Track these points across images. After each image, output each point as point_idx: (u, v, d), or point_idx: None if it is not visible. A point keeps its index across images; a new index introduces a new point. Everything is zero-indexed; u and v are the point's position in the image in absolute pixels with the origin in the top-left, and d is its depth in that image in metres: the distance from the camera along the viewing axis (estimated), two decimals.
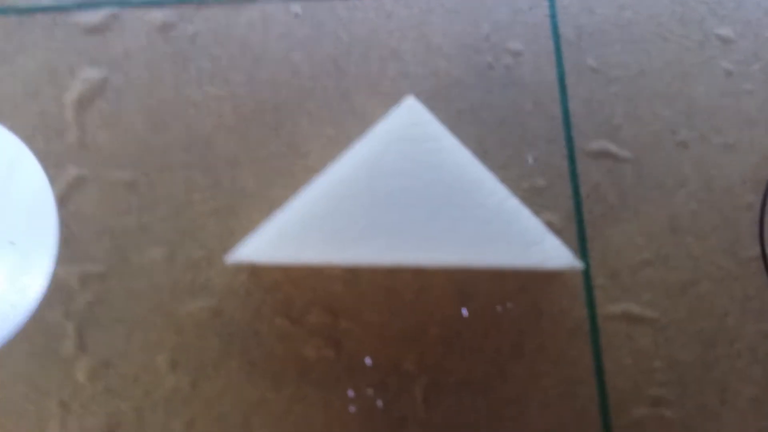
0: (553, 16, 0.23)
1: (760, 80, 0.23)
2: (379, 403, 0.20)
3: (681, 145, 0.22)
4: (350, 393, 0.20)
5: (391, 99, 0.22)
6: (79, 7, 0.22)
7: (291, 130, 0.22)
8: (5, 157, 0.20)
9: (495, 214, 0.20)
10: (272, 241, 0.19)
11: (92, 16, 0.22)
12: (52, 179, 0.21)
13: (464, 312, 0.21)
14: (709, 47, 0.23)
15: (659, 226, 0.22)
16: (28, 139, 0.21)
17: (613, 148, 0.22)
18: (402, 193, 0.20)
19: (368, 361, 0.20)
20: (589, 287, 0.21)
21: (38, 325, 0.20)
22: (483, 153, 0.22)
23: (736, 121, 0.23)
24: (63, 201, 0.21)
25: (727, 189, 0.22)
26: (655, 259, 0.21)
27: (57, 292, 0.20)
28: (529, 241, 0.20)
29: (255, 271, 0.21)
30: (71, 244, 0.20)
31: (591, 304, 0.21)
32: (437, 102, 0.22)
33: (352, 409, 0.20)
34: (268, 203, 0.21)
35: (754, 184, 0.22)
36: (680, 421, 0.20)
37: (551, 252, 0.20)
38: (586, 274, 0.21)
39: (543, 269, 0.21)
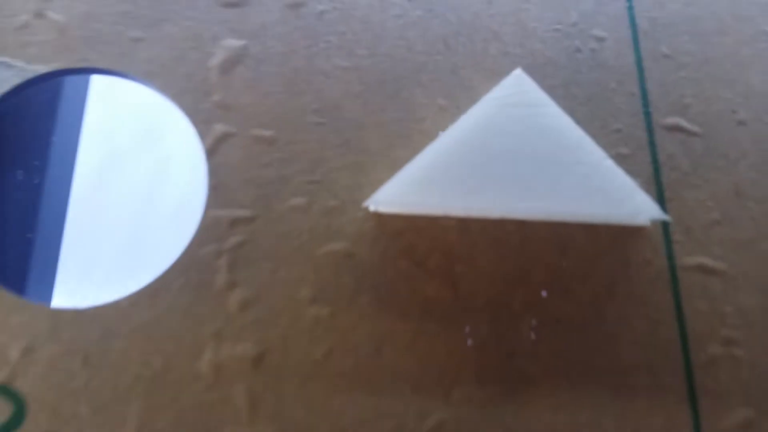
0: (630, 8, 0.26)
1: None
2: (492, 338, 0.22)
3: (740, 123, 0.25)
4: (467, 329, 0.22)
5: (495, 74, 0.25)
6: None
7: (407, 99, 0.24)
8: (159, 113, 0.22)
9: (593, 172, 0.22)
10: (397, 193, 0.22)
11: None
12: (201, 134, 0.23)
13: (563, 260, 0.23)
14: (760, 41, 0.26)
15: (725, 191, 0.25)
16: (176, 98, 0.23)
17: (684, 123, 0.25)
18: (511, 152, 0.22)
19: (481, 300, 0.23)
20: (668, 242, 0.24)
21: (192, 262, 0.22)
22: (575, 123, 0.24)
23: None
24: (211, 153, 0.23)
25: None
26: (722, 219, 0.24)
27: (209, 232, 0.22)
28: (623, 196, 0.22)
29: (381, 220, 0.23)
30: (220, 191, 0.22)
31: (671, 257, 0.24)
32: (533, 78, 0.25)
33: (468, 342, 0.22)
34: (390, 161, 0.23)
35: None
36: (748, 359, 0.23)
37: (642, 206, 0.23)
38: (666, 230, 0.24)
39: (633, 222, 0.23)
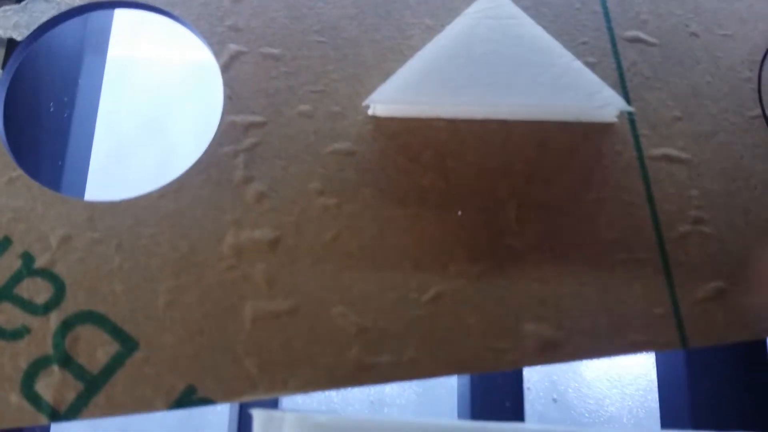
0: None
1: None
2: (480, 220, 0.24)
3: (693, 35, 0.28)
4: (459, 213, 0.24)
5: None
6: None
7: (398, 19, 0.26)
8: (180, 37, 0.24)
9: (564, 71, 0.24)
10: (391, 93, 0.24)
11: None
12: (216, 54, 0.25)
13: (541, 153, 0.25)
14: None
15: (683, 92, 0.27)
16: (195, 24, 0.25)
17: (643, 35, 0.27)
18: (490, 56, 0.24)
19: (471, 189, 0.24)
20: (636, 135, 0.26)
21: (213, 160, 0.24)
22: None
23: (732, 19, 0.28)
24: (225, 69, 0.25)
25: (730, 67, 0.27)
26: (683, 116, 0.26)
27: (226, 135, 0.24)
28: (592, 91, 0.25)
29: (379, 123, 0.25)
30: (234, 100, 0.24)
31: (638, 148, 0.26)
32: None
33: (461, 224, 0.24)
34: (383, 72, 0.25)
35: (750, 63, 0.28)
36: (716, 236, 0.25)
37: (610, 99, 0.25)
38: (633, 126, 0.26)
39: (602, 117, 0.25)
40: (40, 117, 0.25)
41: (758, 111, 0.27)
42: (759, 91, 0.27)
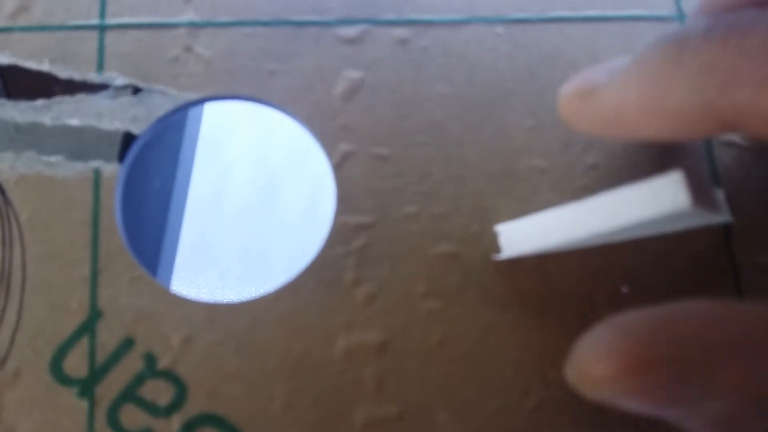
0: None
1: None
2: (580, 326, 0.19)
3: None
4: (557, 318, 0.19)
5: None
6: (339, 23, 0.21)
7: (500, 120, 0.21)
8: (292, 136, 0.19)
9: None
10: (522, 250, 0.18)
11: (350, 30, 0.21)
12: (328, 152, 0.20)
13: (638, 260, 0.20)
14: None
15: None
16: (307, 122, 0.20)
17: (736, 139, 0.21)
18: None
19: (570, 293, 0.19)
20: (728, 242, 0.20)
21: (324, 262, 0.19)
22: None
23: None
24: (337, 168, 0.20)
25: None
26: None
27: (338, 236, 0.19)
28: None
29: (482, 226, 0.20)
30: (345, 201, 0.19)
31: (732, 256, 0.20)
32: None
33: (562, 330, 0.19)
34: (485, 173, 0.20)
35: None
36: None
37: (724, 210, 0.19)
38: (726, 232, 0.20)
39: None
40: (146, 196, 0.21)
41: None
42: None
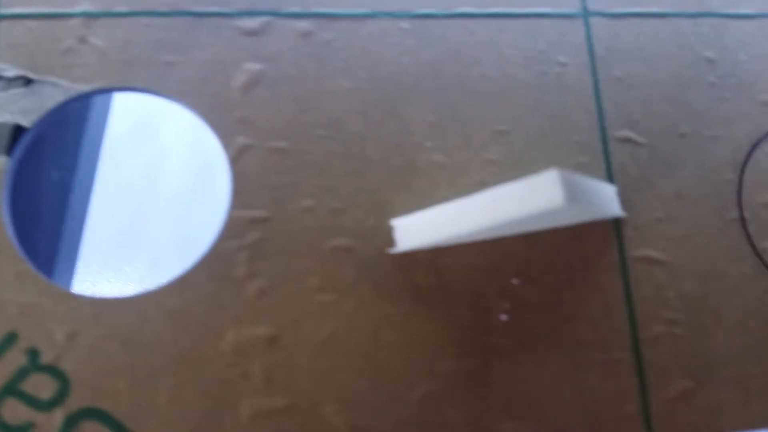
0: (589, 38, 0.22)
1: (735, 91, 0.22)
2: (471, 319, 0.19)
3: (681, 136, 0.21)
4: (450, 311, 0.19)
5: (476, 95, 0.21)
6: (240, 14, 0.20)
7: (401, 115, 0.20)
8: (189, 129, 0.19)
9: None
10: (416, 244, 0.18)
11: (251, 22, 0.20)
12: (225, 146, 0.19)
13: (531, 253, 0.19)
14: (699, 66, 0.22)
15: (668, 193, 0.21)
16: (204, 115, 0.19)
17: (633, 136, 0.21)
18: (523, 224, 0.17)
19: (462, 287, 0.19)
20: (619, 237, 0.20)
21: (216, 256, 0.18)
22: (542, 136, 0.21)
23: (719, 120, 0.22)
24: (234, 162, 0.19)
25: (714, 168, 0.21)
26: (665, 217, 0.20)
27: (231, 230, 0.18)
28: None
29: (378, 220, 0.19)
30: (241, 194, 0.19)
31: (621, 249, 0.20)
32: (507, 97, 0.21)
33: (452, 322, 0.19)
34: (385, 168, 0.20)
35: (733, 165, 0.21)
36: (687, 337, 0.20)
37: (613, 204, 0.19)
38: (617, 227, 0.20)
39: (599, 218, 0.20)
40: (41, 186, 0.20)
41: (736, 213, 0.21)
42: (739, 193, 0.21)
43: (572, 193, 0.15)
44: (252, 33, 0.20)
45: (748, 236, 0.21)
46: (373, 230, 0.19)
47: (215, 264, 0.18)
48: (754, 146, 0.22)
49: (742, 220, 0.21)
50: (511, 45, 0.21)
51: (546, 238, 0.20)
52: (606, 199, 0.19)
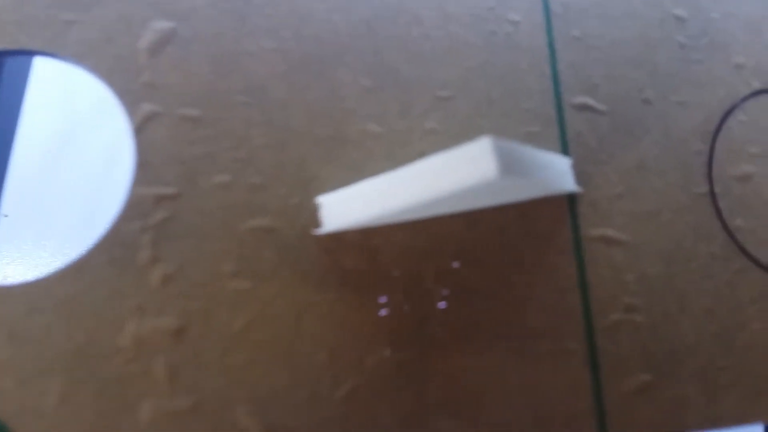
0: None
1: (707, 52, 0.20)
2: (406, 306, 0.16)
3: (645, 102, 0.19)
4: (381, 298, 0.17)
5: (416, 56, 0.18)
6: None
7: (331, 79, 0.18)
8: (91, 94, 0.16)
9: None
10: (343, 224, 0.16)
11: None
12: (130, 113, 0.16)
13: (473, 233, 0.17)
14: (667, 24, 0.20)
15: (629, 166, 0.18)
16: (107, 79, 0.17)
17: (592, 102, 0.19)
18: (457, 201, 0.15)
19: (396, 272, 0.17)
20: (574, 214, 0.18)
21: (117, 238, 0.16)
22: (489, 103, 0.18)
23: (688, 84, 0.19)
24: (139, 131, 0.16)
25: (682, 138, 0.19)
26: (626, 193, 0.18)
27: (134, 209, 0.16)
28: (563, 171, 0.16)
29: (304, 198, 0.17)
30: (146, 168, 0.16)
31: (575, 228, 0.18)
32: (451, 59, 0.18)
33: (383, 311, 0.16)
34: (312, 139, 0.17)
35: (703, 134, 0.19)
36: (648, 325, 0.17)
37: (567, 178, 0.17)
38: (571, 203, 0.18)
39: (555, 192, 0.17)
40: None
41: (706, 187, 0.19)
42: (710, 166, 0.19)
43: (509, 165, 0.12)
44: None
45: (719, 213, 0.18)
46: (297, 209, 0.17)
47: (115, 247, 0.16)
48: (727, 113, 0.19)
49: (712, 195, 0.18)
50: (457, 1, 0.19)
51: (491, 216, 0.17)
52: (557, 173, 0.17)
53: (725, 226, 0.18)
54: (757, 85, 0.20)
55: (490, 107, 0.18)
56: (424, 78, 0.18)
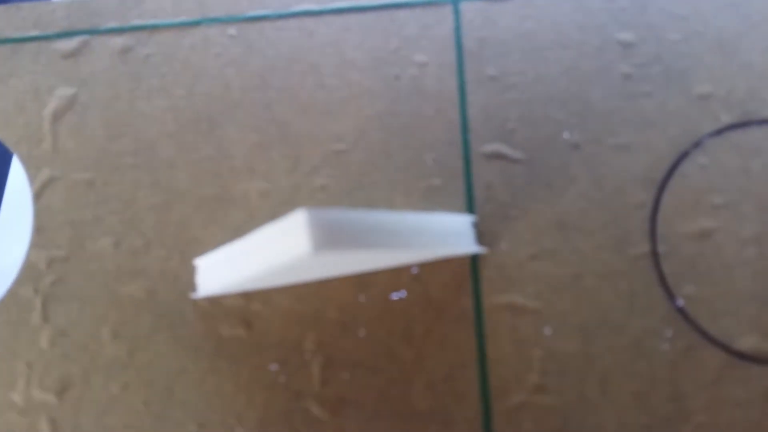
0: (457, 29, 0.16)
1: (660, 82, 0.16)
2: (282, 377, 0.15)
3: (573, 146, 0.15)
4: (257, 367, 0.15)
5: (308, 108, 0.16)
6: (59, 36, 0.17)
7: (221, 136, 0.16)
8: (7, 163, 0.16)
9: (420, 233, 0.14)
10: (218, 290, 0.14)
11: (68, 43, 0.17)
12: (31, 179, 0.17)
13: (361, 298, 0.15)
14: (608, 52, 0.16)
15: (547, 222, 0.15)
16: (15, 146, 0.17)
17: (506, 149, 0.16)
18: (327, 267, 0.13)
19: (274, 339, 0.15)
20: (476, 278, 0.15)
21: (12, 300, 0.16)
22: (386, 155, 0.16)
23: (631, 123, 0.15)
24: (38, 197, 0.16)
25: (618, 188, 0.15)
26: (540, 254, 0.15)
27: (29, 271, 0.16)
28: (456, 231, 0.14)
29: (183, 260, 0.16)
30: (42, 232, 0.16)
31: (477, 294, 0.15)
32: (347, 109, 0.16)
33: (258, 381, 0.15)
34: (196, 199, 0.16)
35: (646, 183, 0.15)
36: (560, 409, 0.14)
37: (462, 241, 0.14)
38: (474, 266, 0.15)
39: (452, 255, 0.15)
40: None
41: (647, 247, 0.15)
42: (653, 221, 0.15)
43: (330, 239, 0.10)
44: (69, 55, 0.17)
45: (662, 278, 0.14)
46: (177, 272, 0.16)
47: (12, 308, 0.16)
48: (682, 156, 0.15)
49: (655, 255, 0.15)
50: (358, 45, 0.16)
51: (383, 279, 0.15)
52: (447, 236, 0.14)
53: (670, 294, 0.14)
54: (726, 119, 0.15)
55: (387, 160, 0.16)
56: (315, 131, 0.16)
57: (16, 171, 0.17)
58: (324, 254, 0.11)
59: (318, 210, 0.10)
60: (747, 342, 0.14)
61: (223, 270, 0.14)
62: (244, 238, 0.12)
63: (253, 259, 0.12)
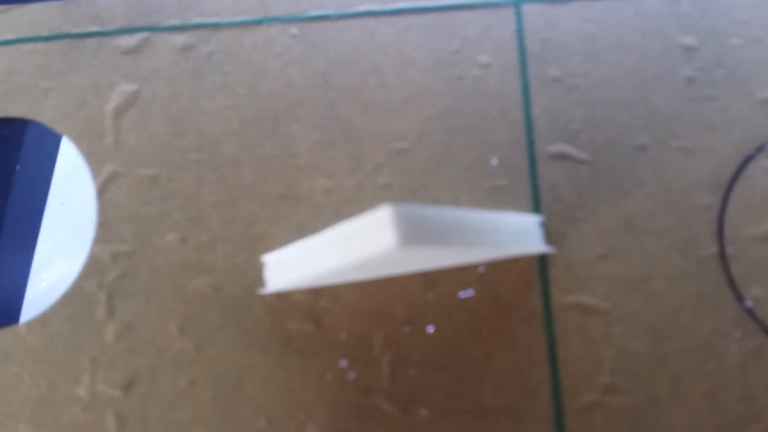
0: (519, 31, 0.16)
1: (723, 87, 0.15)
2: (351, 374, 0.14)
3: (639, 148, 0.15)
4: (326, 363, 0.15)
5: (370, 107, 0.16)
6: (120, 32, 0.17)
7: (284, 134, 0.16)
8: (65, 157, 0.16)
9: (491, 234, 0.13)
10: (287, 286, 0.14)
11: (129, 40, 0.17)
12: (94, 174, 0.16)
13: (428, 296, 0.15)
14: (671, 56, 0.15)
15: (614, 224, 0.15)
16: (76, 142, 0.16)
17: (571, 150, 0.15)
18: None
19: (343, 335, 0.15)
20: (544, 278, 0.15)
21: (76, 294, 0.15)
22: (450, 155, 0.15)
23: (696, 126, 0.15)
24: (101, 192, 0.16)
25: (685, 191, 0.15)
26: (608, 255, 0.14)
27: (93, 266, 0.15)
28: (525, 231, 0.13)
29: (250, 255, 0.15)
30: (105, 227, 0.16)
31: (546, 294, 0.14)
32: (409, 109, 0.16)
33: (327, 377, 0.14)
34: (261, 195, 0.16)
35: (712, 186, 0.15)
36: (631, 410, 0.14)
37: (531, 240, 0.13)
38: (542, 265, 0.15)
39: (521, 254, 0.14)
40: None
41: (714, 249, 0.14)
42: (720, 223, 0.15)
43: (415, 235, 0.10)
44: (130, 51, 0.17)
45: (730, 280, 0.14)
46: (244, 267, 0.15)
47: (75, 302, 0.15)
48: (748, 159, 0.15)
49: (723, 257, 0.14)
50: (420, 46, 0.16)
51: (451, 277, 0.15)
52: (518, 235, 0.13)
53: (738, 296, 0.14)
54: None
55: (451, 160, 0.15)
56: (378, 130, 0.16)
57: (77, 165, 0.16)
58: (409, 249, 0.10)
59: (403, 205, 0.10)
60: None
61: (294, 265, 0.13)
62: (319, 234, 0.12)
63: (333, 253, 0.11)
